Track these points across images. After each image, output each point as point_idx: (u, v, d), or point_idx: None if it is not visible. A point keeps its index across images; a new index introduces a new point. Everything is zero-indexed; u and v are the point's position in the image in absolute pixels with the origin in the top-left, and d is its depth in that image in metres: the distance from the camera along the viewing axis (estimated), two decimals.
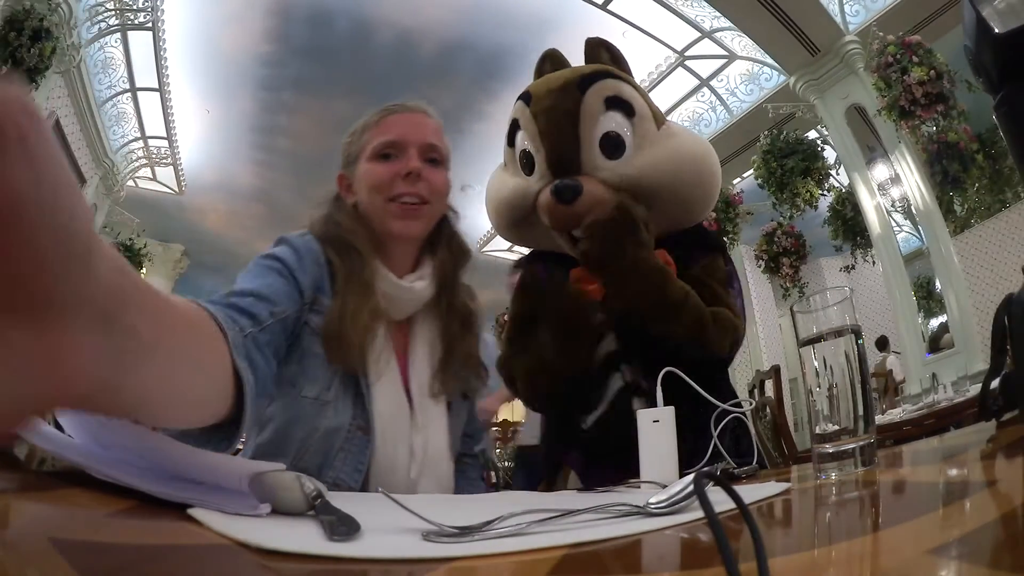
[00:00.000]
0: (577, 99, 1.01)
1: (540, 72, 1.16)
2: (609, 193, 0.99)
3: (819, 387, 0.63)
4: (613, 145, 1.00)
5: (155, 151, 6.67)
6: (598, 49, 1.12)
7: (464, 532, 0.34)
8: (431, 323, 0.91)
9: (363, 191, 0.87)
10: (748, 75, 5.49)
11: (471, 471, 1.01)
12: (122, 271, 0.27)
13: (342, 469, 0.77)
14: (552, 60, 1.15)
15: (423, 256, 0.91)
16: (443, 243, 0.93)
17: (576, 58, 1.17)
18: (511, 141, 1.11)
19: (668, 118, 1.12)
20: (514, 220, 1.12)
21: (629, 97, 1.02)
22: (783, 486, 0.55)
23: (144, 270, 7.15)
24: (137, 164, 6.70)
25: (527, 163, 1.08)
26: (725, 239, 5.47)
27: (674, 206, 1.04)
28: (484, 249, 8.87)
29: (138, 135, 6.47)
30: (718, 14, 4.69)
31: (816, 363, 0.63)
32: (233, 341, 0.54)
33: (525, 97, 1.08)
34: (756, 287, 6.56)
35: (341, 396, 0.78)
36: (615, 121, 1.01)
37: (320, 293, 0.81)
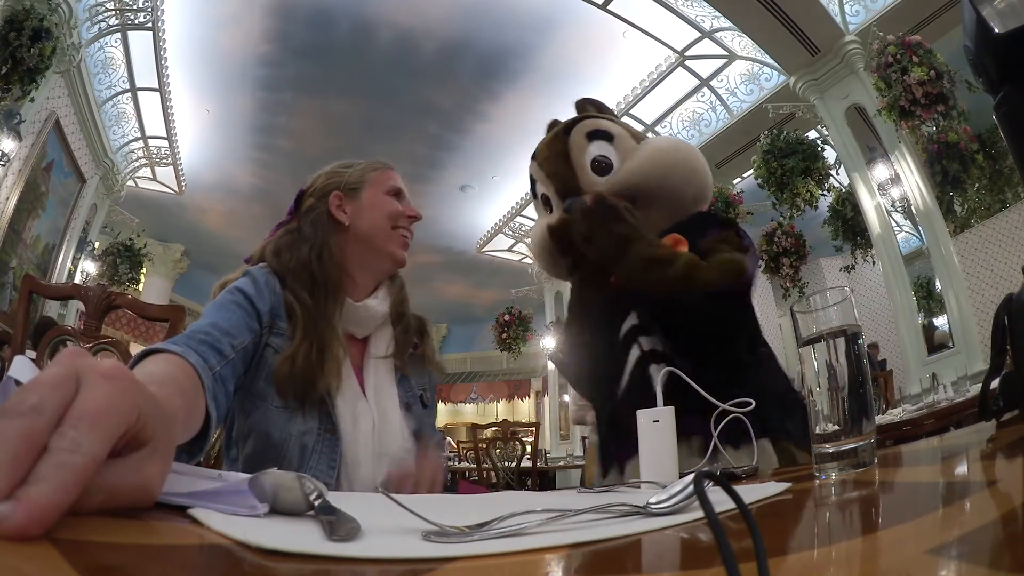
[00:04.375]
0: (565, 140, 1.24)
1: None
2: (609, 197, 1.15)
3: (819, 387, 0.63)
4: (602, 165, 1.20)
5: (155, 151, 6.67)
6: (585, 105, 1.36)
7: (464, 532, 0.34)
8: (385, 336, 1.04)
9: (374, 214, 1.04)
10: (748, 75, 5.49)
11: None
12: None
13: (317, 468, 0.88)
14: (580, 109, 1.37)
15: (379, 286, 1.07)
16: (395, 280, 1.12)
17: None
18: (535, 194, 1.32)
19: (659, 125, 1.21)
20: (552, 255, 1.27)
21: (607, 128, 1.24)
22: (783, 486, 0.54)
23: (144, 270, 7.16)
24: (137, 164, 6.71)
25: (547, 204, 1.28)
26: None
27: (667, 197, 1.18)
28: (484, 249, 8.88)
29: (138, 135, 6.48)
30: (718, 14, 4.69)
31: (816, 363, 0.63)
32: (207, 386, 0.70)
33: (534, 156, 1.31)
34: (756, 287, 6.54)
35: (307, 404, 0.90)
36: (599, 147, 1.22)
37: (277, 318, 0.94)
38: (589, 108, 1.36)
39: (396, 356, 1.03)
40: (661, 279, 1.00)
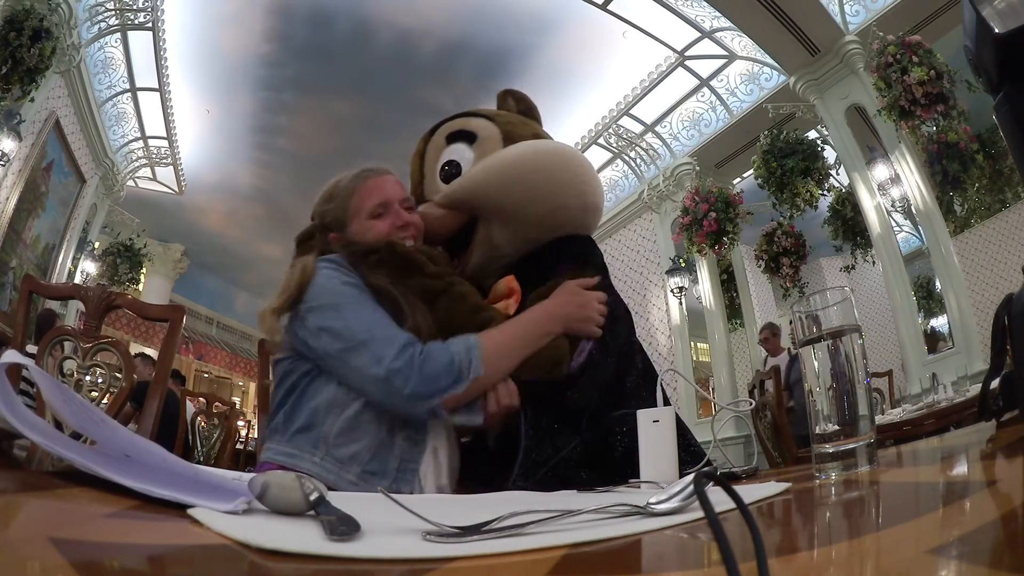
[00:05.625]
0: (426, 140, 1.19)
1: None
2: (438, 211, 1.10)
3: (819, 387, 0.63)
4: (450, 172, 1.12)
5: (155, 151, 6.67)
6: (505, 97, 1.25)
7: (464, 532, 0.34)
8: None
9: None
10: (748, 75, 5.48)
11: None
12: None
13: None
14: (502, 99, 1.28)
15: None
16: None
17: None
18: None
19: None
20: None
21: (473, 128, 1.13)
22: (783, 486, 0.54)
23: (144, 270, 7.16)
24: (137, 164, 6.70)
25: None
26: (725, 239, 5.46)
27: (510, 213, 1.06)
28: None
29: (138, 135, 6.47)
30: (718, 14, 4.68)
31: (816, 363, 0.63)
32: None
33: None
34: (756, 287, 6.55)
35: None
36: (455, 151, 1.13)
37: None
38: (509, 101, 1.24)
39: None
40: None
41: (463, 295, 0.99)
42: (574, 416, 0.97)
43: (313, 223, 1.12)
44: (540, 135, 1.16)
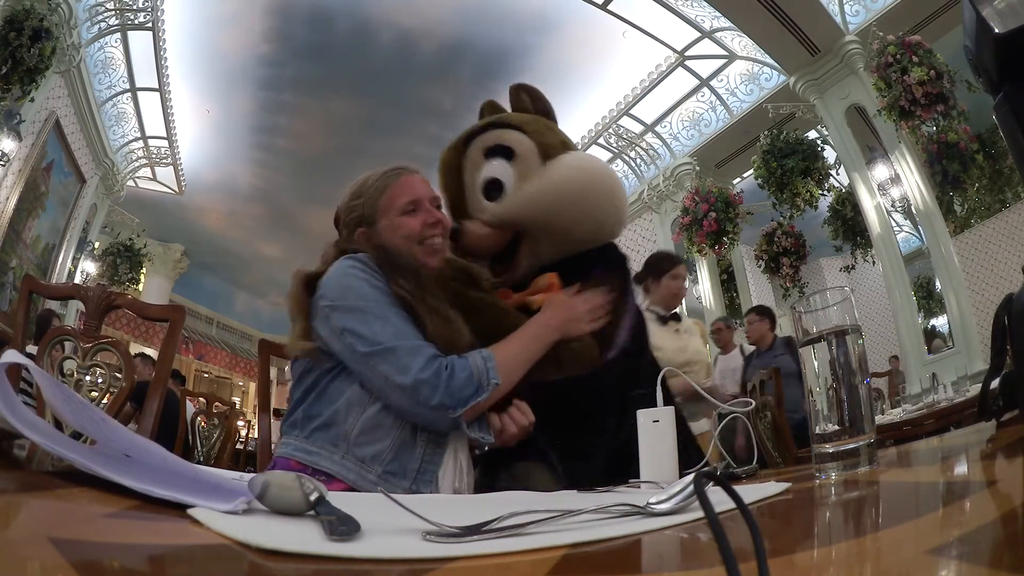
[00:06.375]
0: (462, 152, 1.20)
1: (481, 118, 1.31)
2: (487, 230, 1.15)
3: (819, 387, 0.63)
4: (493, 188, 1.15)
5: (155, 151, 6.67)
6: (518, 93, 1.28)
7: (464, 532, 0.34)
8: None
9: (396, 239, 1.07)
10: (748, 75, 5.49)
11: None
12: None
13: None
14: (490, 109, 1.32)
15: None
16: None
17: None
18: None
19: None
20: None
21: (510, 142, 1.15)
22: (783, 486, 0.54)
23: (144, 270, 7.16)
24: (137, 164, 6.70)
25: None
26: (725, 239, 5.46)
27: (557, 232, 1.14)
28: None
29: (138, 135, 6.47)
30: (718, 14, 4.68)
31: (816, 363, 0.63)
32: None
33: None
34: (756, 287, 6.55)
35: None
36: (495, 167, 1.15)
37: None
38: (523, 96, 1.27)
39: None
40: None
41: (506, 310, 1.08)
42: (589, 420, 1.03)
43: (337, 221, 1.12)
44: (567, 143, 1.21)
